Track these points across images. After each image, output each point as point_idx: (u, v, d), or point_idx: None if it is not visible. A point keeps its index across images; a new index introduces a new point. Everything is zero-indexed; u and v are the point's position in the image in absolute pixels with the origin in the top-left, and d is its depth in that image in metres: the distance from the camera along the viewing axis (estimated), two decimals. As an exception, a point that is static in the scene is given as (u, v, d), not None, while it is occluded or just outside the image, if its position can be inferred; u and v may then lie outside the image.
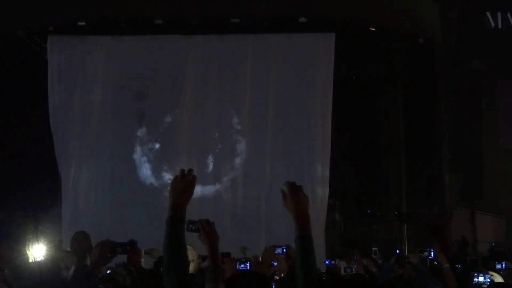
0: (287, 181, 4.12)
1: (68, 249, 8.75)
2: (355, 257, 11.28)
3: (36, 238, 19.98)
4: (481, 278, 6.73)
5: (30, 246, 19.22)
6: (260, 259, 7.02)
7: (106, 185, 18.30)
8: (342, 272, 9.00)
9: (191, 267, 6.62)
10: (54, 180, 18.38)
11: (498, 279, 7.05)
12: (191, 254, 6.66)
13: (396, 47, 20.36)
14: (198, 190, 18.15)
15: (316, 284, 3.85)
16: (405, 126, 21.36)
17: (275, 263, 7.27)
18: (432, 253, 8.07)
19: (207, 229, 4.44)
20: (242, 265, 8.22)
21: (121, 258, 7.02)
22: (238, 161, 18.37)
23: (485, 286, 6.43)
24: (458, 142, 20.62)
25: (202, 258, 6.70)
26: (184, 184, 3.79)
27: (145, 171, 18.37)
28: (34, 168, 18.96)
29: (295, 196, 4.03)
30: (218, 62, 18.50)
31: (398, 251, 15.34)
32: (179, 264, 3.48)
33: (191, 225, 4.61)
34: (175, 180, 3.82)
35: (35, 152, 18.86)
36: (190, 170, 3.86)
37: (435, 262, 8.74)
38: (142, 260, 7.40)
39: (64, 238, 16.88)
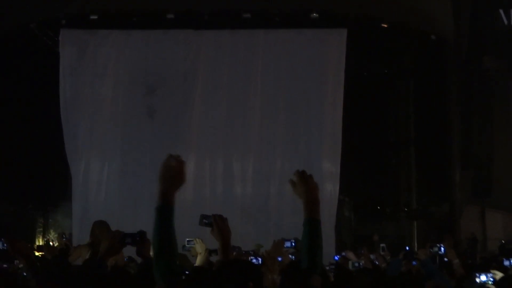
0: (296, 170, 4.13)
1: (88, 239, 8.87)
2: (362, 251, 11.30)
3: (46, 231, 20.13)
4: (483, 278, 6.71)
5: (41, 239, 19.37)
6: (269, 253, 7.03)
7: (116, 179, 18.35)
8: (350, 267, 9.00)
9: (199, 260, 6.65)
10: (64, 174, 18.43)
11: (500, 276, 7.03)
12: (200, 247, 6.69)
13: (407, 43, 20.31)
14: (208, 185, 18.19)
15: (320, 267, 3.87)
16: (415, 123, 21.30)
17: (280, 259, 7.29)
18: (442, 248, 8.05)
19: (220, 225, 4.43)
20: (254, 260, 8.25)
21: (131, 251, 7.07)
22: (248, 157, 18.37)
23: (490, 285, 6.40)
24: (469, 140, 20.58)
25: (210, 251, 6.71)
26: (172, 171, 3.71)
27: (156, 167, 18.35)
28: (45, 161, 19.05)
29: (305, 181, 4.03)
30: (229, 57, 18.50)
31: (407, 248, 15.32)
32: (169, 253, 3.47)
33: (204, 220, 4.63)
34: (163, 168, 3.74)
35: (46, 146, 18.93)
36: (178, 156, 3.76)
37: (445, 258, 8.74)
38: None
39: (74, 231, 16.95)
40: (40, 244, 17.59)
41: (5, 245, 5.19)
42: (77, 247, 9.52)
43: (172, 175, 3.68)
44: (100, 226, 8.31)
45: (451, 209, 20.00)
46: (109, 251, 5.26)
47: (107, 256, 5.28)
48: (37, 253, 9.85)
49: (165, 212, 3.56)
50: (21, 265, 10.52)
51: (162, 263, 3.44)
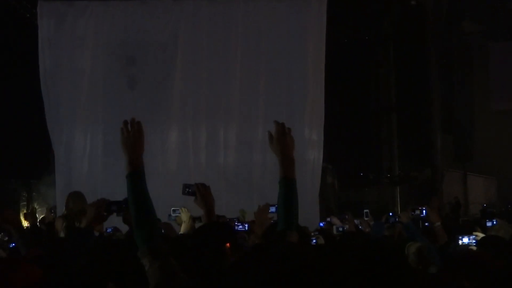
0: (275, 120, 4.15)
1: (63, 210, 8.86)
2: (347, 217, 11.40)
3: (30, 204, 20.11)
4: (465, 240, 6.79)
5: (24, 212, 19.33)
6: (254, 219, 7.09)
7: (99, 150, 18.31)
8: (334, 232, 9.09)
9: (183, 228, 6.70)
10: (47, 147, 18.36)
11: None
12: (185, 215, 6.73)
13: (387, 9, 20.30)
14: (191, 155, 18.22)
15: (296, 224, 3.91)
16: (396, 89, 21.38)
17: None
18: (424, 211, 8.11)
19: (202, 193, 4.46)
20: (240, 226, 8.30)
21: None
22: (230, 125, 18.38)
23: (473, 246, 6.48)
24: (450, 105, 20.68)
25: (193, 219, 6.76)
26: (133, 135, 3.72)
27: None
28: (27, 135, 18.97)
29: (282, 138, 4.06)
30: (209, 27, 18.41)
31: (391, 214, 15.46)
32: (147, 218, 3.47)
33: (187, 189, 4.65)
34: (122, 135, 3.74)
35: (27, 119, 18.85)
36: (133, 119, 3.79)
37: (426, 223, 8.82)
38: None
39: (58, 204, 16.94)
40: (26, 212, 17.63)
41: None
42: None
43: (133, 141, 3.66)
44: (74, 197, 8.27)
45: (433, 174, 20.16)
46: (95, 219, 5.29)
47: (93, 224, 5.32)
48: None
49: (135, 178, 3.56)
50: (6, 238, 10.56)
51: (142, 228, 3.44)
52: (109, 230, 9.63)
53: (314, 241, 7.59)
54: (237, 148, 18.21)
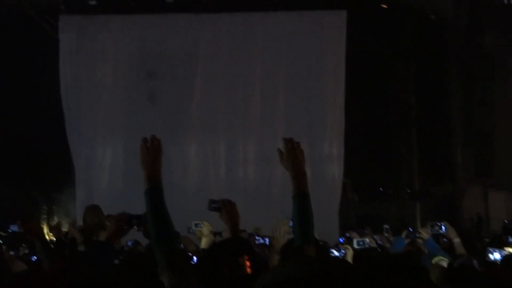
0: (283, 137, 4.13)
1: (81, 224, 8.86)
2: (366, 231, 11.35)
3: (51, 217, 20.17)
4: (496, 255, 6.68)
5: (45, 226, 19.40)
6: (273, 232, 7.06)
7: (119, 163, 18.38)
8: (355, 245, 9.04)
9: (204, 242, 6.70)
10: (68, 160, 18.44)
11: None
12: (206, 230, 6.74)
13: (407, 24, 20.24)
14: (211, 169, 18.22)
15: (312, 238, 3.88)
16: (416, 103, 21.28)
17: None
18: (443, 227, 8.07)
19: (228, 209, 4.47)
20: (261, 240, 8.28)
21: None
22: (250, 140, 18.39)
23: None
24: (470, 119, 20.54)
25: (214, 233, 6.77)
26: (152, 151, 3.71)
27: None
28: (48, 147, 19.03)
29: (292, 153, 4.04)
30: (229, 41, 18.50)
31: (410, 229, 15.36)
32: (167, 234, 3.46)
33: (213, 204, 4.66)
34: (141, 152, 3.74)
35: (48, 132, 18.93)
36: (152, 136, 3.79)
37: (444, 239, 8.77)
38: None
39: (78, 217, 16.98)
40: (52, 226, 17.68)
41: (19, 227, 5.23)
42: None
43: (152, 157, 3.65)
44: (91, 211, 8.27)
45: (453, 189, 20.02)
46: (116, 233, 5.29)
47: (114, 238, 5.32)
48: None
49: (154, 193, 3.57)
50: (26, 251, 10.59)
51: (161, 244, 3.45)
52: (129, 243, 9.64)
53: (343, 252, 7.56)
54: (256, 163, 18.22)
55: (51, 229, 9.41)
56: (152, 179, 3.59)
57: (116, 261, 6.56)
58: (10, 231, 5.35)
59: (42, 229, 5.41)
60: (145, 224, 5.40)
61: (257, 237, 8.97)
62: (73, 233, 9.21)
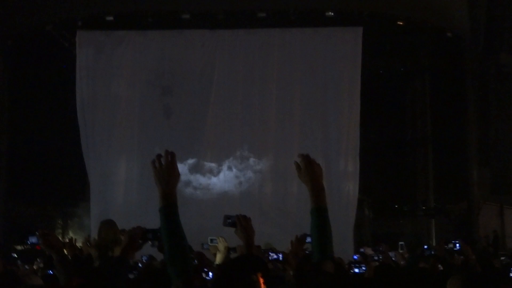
0: (300, 153, 4.10)
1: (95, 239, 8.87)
2: (381, 248, 11.30)
3: (65, 232, 20.22)
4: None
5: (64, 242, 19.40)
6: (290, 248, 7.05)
7: (134, 179, 18.41)
8: (368, 259, 9.00)
9: (219, 258, 6.68)
10: (83, 175, 18.50)
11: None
12: (221, 245, 6.73)
13: (423, 41, 20.23)
14: (226, 184, 18.23)
15: (331, 254, 3.85)
16: (432, 120, 21.24)
17: None
18: (457, 245, 8.03)
19: (243, 224, 4.45)
20: (275, 256, 8.26)
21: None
22: (265, 156, 18.39)
23: None
24: (486, 136, 20.46)
25: (229, 249, 6.76)
26: (165, 168, 3.65)
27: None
28: (63, 163, 19.11)
29: (310, 167, 4.01)
30: (245, 57, 18.53)
31: (426, 247, 15.30)
32: (181, 252, 3.46)
33: (228, 220, 4.65)
34: (155, 169, 3.66)
35: (63, 147, 19.03)
36: (166, 152, 3.70)
37: (461, 256, 8.71)
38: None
39: (93, 232, 17.01)
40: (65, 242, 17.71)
41: (38, 239, 5.25)
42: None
43: (166, 174, 3.64)
44: (106, 226, 8.27)
45: (469, 206, 19.91)
46: (130, 247, 5.29)
47: (128, 252, 5.31)
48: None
49: (169, 211, 3.54)
50: (41, 265, 10.61)
51: (176, 262, 3.44)
52: (144, 258, 9.64)
53: (363, 268, 7.53)
54: (272, 178, 18.19)
55: (65, 246, 9.40)
56: (166, 197, 3.58)
57: (131, 276, 6.58)
58: (29, 242, 5.37)
59: (60, 242, 5.42)
60: (160, 238, 5.40)
61: (271, 253, 8.95)
62: (88, 249, 9.23)
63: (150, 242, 5.50)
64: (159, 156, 3.65)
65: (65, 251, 5.68)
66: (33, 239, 5.38)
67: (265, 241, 12.51)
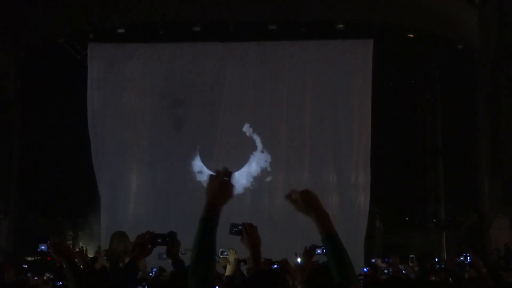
0: (292, 189, 3.96)
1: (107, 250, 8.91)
2: (391, 260, 11.28)
3: (76, 243, 20.26)
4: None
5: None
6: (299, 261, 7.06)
7: (144, 190, 18.46)
8: (378, 273, 8.99)
9: (229, 269, 6.69)
10: (94, 186, 18.54)
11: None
12: (232, 257, 6.73)
13: (434, 53, 20.21)
14: (236, 196, 18.24)
15: (354, 277, 3.76)
16: (443, 133, 21.20)
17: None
18: (468, 257, 8.02)
19: (250, 233, 4.44)
20: (275, 266, 8.26)
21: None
22: (276, 167, 18.40)
23: None
24: (497, 149, 20.40)
25: (239, 261, 6.76)
26: (218, 183, 3.60)
27: (184, 177, 18.46)
28: (75, 173, 19.16)
29: (306, 198, 3.84)
30: (255, 69, 18.57)
31: (436, 259, 15.27)
32: (207, 265, 3.41)
33: (234, 228, 4.65)
34: (210, 179, 3.63)
35: (75, 158, 19.08)
36: (225, 169, 3.64)
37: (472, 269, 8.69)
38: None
39: (103, 243, 17.04)
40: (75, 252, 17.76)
41: (48, 248, 5.27)
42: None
43: (221, 189, 3.58)
44: (117, 237, 8.30)
45: (480, 219, 19.83)
46: (140, 252, 5.31)
47: (139, 257, 5.33)
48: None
49: (209, 224, 3.46)
50: (51, 276, 10.66)
51: (199, 274, 3.40)
52: (154, 269, 9.65)
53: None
54: (282, 190, 18.18)
55: (76, 255, 9.41)
56: (211, 209, 3.52)
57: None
58: (39, 250, 5.40)
59: (71, 250, 5.43)
60: (169, 243, 5.42)
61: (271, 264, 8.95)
62: (101, 261, 9.25)
63: (158, 255, 5.52)
64: (218, 170, 3.63)
65: (76, 260, 5.69)
66: (43, 247, 5.41)
67: (275, 252, 12.47)
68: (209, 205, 3.50)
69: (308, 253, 6.25)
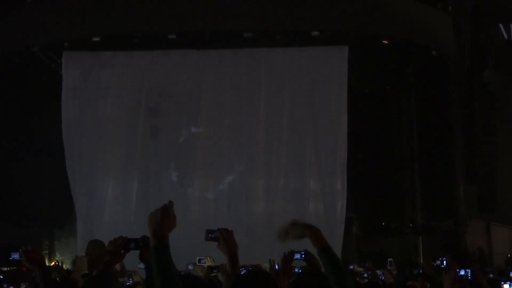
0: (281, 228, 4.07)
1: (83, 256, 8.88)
2: (366, 264, 11.31)
3: (52, 253, 20.13)
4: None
5: (46, 261, 19.32)
6: (277, 267, 7.04)
7: (120, 199, 18.39)
8: (357, 278, 9.01)
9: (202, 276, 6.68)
10: (69, 195, 18.44)
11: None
12: (208, 263, 6.73)
13: (409, 59, 20.35)
14: (212, 203, 18.22)
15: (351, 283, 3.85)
16: (418, 139, 21.33)
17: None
18: (444, 261, 8.04)
19: (226, 238, 4.46)
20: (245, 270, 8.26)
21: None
22: (254, 173, 18.42)
23: None
24: (472, 154, 20.55)
25: (211, 268, 6.76)
26: (160, 211, 3.66)
27: (160, 186, 18.42)
28: (49, 184, 19.04)
29: (294, 226, 4.02)
30: (232, 77, 18.60)
31: (414, 264, 15.34)
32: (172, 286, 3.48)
33: (210, 234, 4.64)
34: (152, 214, 3.67)
35: (50, 168, 18.97)
36: (169, 202, 3.73)
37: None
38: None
39: (79, 253, 16.94)
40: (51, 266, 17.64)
41: (20, 256, 5.23)
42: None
43: (160, 216, 3.63)
44: (93, 244, 8.28)
45: (456, 224, 19.96)
46: (113, 257, 5.28)
47: (111, 263, 5.30)
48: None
49: (161, 250, 3.55)
50: (26, 286, 10.56)
51: None
52: (130, 281, 9.58)
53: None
54: (260, 198, 18.22)
55: (51, 270, 9.33)
56: (157, 237, 3.56)
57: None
58: (11, 258, 5.35)
59: (43, 258, 5.39)
60: (142, 248, 5.40)
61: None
62: (79, 268, 9.18)
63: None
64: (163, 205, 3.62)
65: (48, 269, 5.65)
66: (15, 255, 5.37)
67: (252, 259, 12.45)
68: (155, 233, 3.54)
69: (287, 259, 6.25)
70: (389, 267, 11.61)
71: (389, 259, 12.26)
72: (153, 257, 3.53)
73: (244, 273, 4.17)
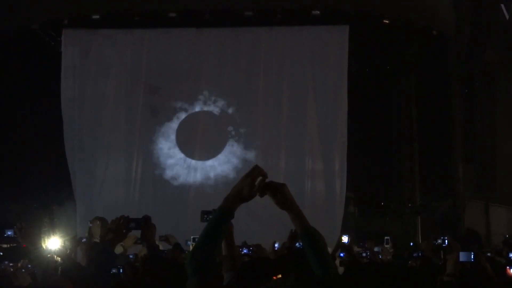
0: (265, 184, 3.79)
1: (86, 234, 8.95)
2: (366, 245, 11.34)
3: (52, 231, 20.15)
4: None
5: (46, 239, 19.35)
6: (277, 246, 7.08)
7: (119, 177, 18.39)
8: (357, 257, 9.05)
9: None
10: (69, 173, 18.43)
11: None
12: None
13: (409, 39, 20.27)
14: (212, 183, 18.24)
15: (334, 268, 3.70)
16: (418, 118, 21.32)
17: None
18: (446, 241, 8.05)
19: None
20: (245, 250, 8.31)
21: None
22: (252, 154, 18.41)
23: None
24: (472, 134, 20.55)
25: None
26: (249, 180, 3.57)
27: (159, 164, 18.44)
28: (49, 161, 19.05)
29: (281, 191, 3.77)
30: (232, 56, 18.55)
31: (412, 244, 15.38)
32: (208, 252, 3.37)
33: (205, 216, 4.64)
34: (245, 176, 3.59)
35: (50, 145, 18.97)
36: (259, 169, 3.61)
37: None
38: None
39: (79, 230, 16.96)
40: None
41: (15, 232, 5.26)
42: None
43: (249, 185, 3.56)
44: (102, 222, 8.33)
45: (455, 204, 19.99)
46: (115, 236, 5.29)
47: (114, 242, 5.31)
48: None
49: (225, 215, 3.48)
50: (29, 266, 10.60)
51: (198, 259, 3.35)
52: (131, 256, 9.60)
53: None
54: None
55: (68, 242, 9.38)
56: (231, 202, 3.52)
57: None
58: (6, 235, 5.39)
59: (37, 236, 5.41)
60: (143, 227, 5.40)
61: (245, 249, 8.96)
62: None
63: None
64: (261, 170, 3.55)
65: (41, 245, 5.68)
66: (10, 232, 5.40)
67: (251, 237, 12.51)
68: (231, 197, 3.50)
69: (294, 236, 6.27)
70: (386, 245, 11.67)
71: (386, 237, 12.32)
72: (215, 215, 3.47)
73: (247, 261, 4.14)
